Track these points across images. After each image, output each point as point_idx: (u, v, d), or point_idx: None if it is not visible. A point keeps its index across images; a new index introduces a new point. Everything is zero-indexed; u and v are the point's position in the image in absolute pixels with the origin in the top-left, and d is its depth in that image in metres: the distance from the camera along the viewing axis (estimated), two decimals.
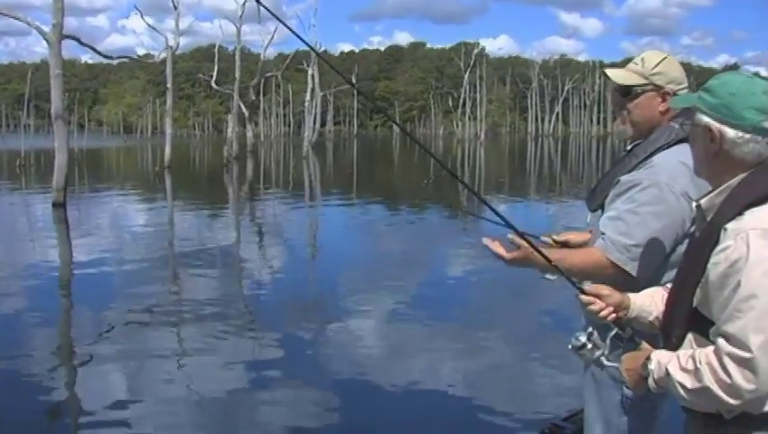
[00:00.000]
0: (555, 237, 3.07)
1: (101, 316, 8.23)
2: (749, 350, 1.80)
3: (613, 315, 2.26)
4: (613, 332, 2.25)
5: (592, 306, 2.26)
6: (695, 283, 2.00)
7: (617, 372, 2.20)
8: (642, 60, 2.77)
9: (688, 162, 2.34)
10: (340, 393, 5.94)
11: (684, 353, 1.97)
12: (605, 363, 2.24)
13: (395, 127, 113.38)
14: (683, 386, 1.93)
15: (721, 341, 1.87)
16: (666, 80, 2.72)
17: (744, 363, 1.80)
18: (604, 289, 2.28)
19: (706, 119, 2.01)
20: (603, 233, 2.65)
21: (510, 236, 2.56)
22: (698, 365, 1.88)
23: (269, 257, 12.90)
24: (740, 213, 1.92)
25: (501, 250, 2.54)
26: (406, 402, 5.76)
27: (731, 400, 1.84)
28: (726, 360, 1.83)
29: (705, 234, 2.01)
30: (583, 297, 2.28)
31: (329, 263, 12.25)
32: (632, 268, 2.56)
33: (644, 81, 2.73)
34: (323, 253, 13.65)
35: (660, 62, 2.74)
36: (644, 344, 2.21)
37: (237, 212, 20.14)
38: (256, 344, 7.37)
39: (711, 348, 1.89)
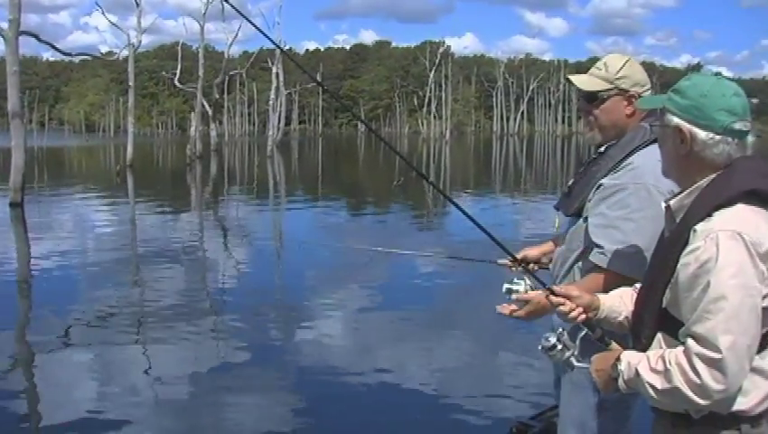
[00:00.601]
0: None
1: (61, 314, 8.09)
2: (718, 351, 1.81)
3: (583, 315, 2.25)
4: (583, 332, 2.26)
5: (562, 307, 2.25)
6: (664, 284, 2.00)
7: (587, 372, 2.20)
8: (606, 64, 2.76)
9: None
10: (306, 391, 5.91)
11: (654, 353, 1.97)
12: (575, 363, 2.23)
13: (360, 125, 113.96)
14: (653, 387, 1.93)
15: (690, 342, 1.87)
16: (631, 84, 2.72)
17: (714, 364, 1.81)
18: (574, 290, 2.29)
19: (676, 120, 2.01)
20: (599, 246, 2.62)
21: (501, 262, 2.71)
22: (668, 366, 1.89)
23: (231, 257, 12.73)
24: (709, 215, 1.92)
25: (507, 312, 2.63)
26: (373, 401, 5.74)
27: (700, 401, 1.85)
28: (696, 360, 1.83)
29: (674, 235, 2.01)
30: (553, 298, 2.27)
31: (294, 263, 12.12)
32: (638, 274, 2.49)
33: (609, 86, 2.73)
34: (286, 254, 13.50)
35: (623, 66, 2.73)
36: (614, 345, 2.21)
37: (198, 212, 19.89)
38: (221, 344, 7.27)
39: (681, 349, 1.90)
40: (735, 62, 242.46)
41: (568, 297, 2.26)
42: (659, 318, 2.04)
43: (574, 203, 2.83)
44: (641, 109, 2.64)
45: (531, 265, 3.09)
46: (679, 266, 1.94)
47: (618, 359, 2.04)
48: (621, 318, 2.28)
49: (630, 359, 2.01)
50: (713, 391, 1.82)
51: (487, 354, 7.00)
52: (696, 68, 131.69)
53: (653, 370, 1.93)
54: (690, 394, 1.85)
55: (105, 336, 7.38)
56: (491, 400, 5.71)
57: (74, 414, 5.33)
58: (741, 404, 1.92)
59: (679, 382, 1.86)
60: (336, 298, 9.22)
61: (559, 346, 2.21)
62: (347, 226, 17.15)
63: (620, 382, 2.03)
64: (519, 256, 3.00)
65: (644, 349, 2.06)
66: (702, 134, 1.97)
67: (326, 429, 5.24)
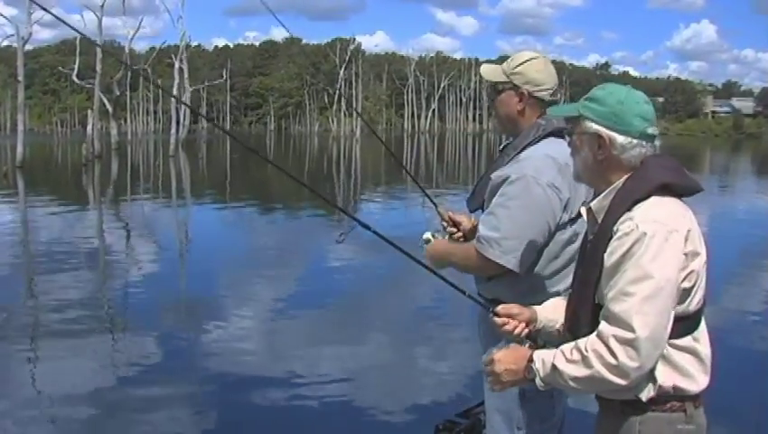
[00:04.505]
0: (451, 214, 3.20)
1: None
2: (632, 330, 1.92)
3: (526, 330, 2.36)
4: (527, 344, 2.32)
5: (506, 327, 2.35)
6: (595, 281, 2.09)
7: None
8: (512, 58, 2.88)
9: (555, 155, 2.65)
10: (216, 394, 5.70)
11: (567, 346, 2.06)
12: None
13: (270, 123, 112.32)
14: (573, 377, 2.01)
15: (604, 324, 1.98)
16: (523, 81, 2.80)
17: (628, 343, 1.92)
18: (515, 308, 2.39)
19: (596, 127, 2.13)
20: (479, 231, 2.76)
21: (440, 209, 3.09)
22: (585, 353, 1.98)
23: (119, 261, 12.03)
24: (629, 209, 2.05)
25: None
26: (288, 401, 5.53)
27: (620, 381, 1.95)
28: (612, 342, 1.94)
29: (599, 234, 2.11)
30: (497, 319, 2.37)
31: (194, 266, 11.64)
32: (506, 262, 2.64)
33: (505, 79, 2.84)
34: (184, 256, 12.95)
35: (522, 63, 2.81)
36: (526, 345, 2.31)
37: (89, 216, 18.64)
38: (124, 349, 6.93)
39: (593, 336, 1.99)
40: (640, 62, 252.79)
41: (510, 316, 2.36)
42: (593, 315, 2.08)
43: (478, 200, 2.96)
44: (552, 117, 2.71)
45: (458, 234, 3.17)
46: (605, 255, 2.03)
47: (531, 360, 2.11)
48: (557, 326, 2.36)
49: (543, 357, 2.09)
50: (630, 369, 1.92)
51: (410, 352, 6.83)
52: (604, 67, 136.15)
53: (570, 361, 2.01)
54: (609, 376, 1.94)
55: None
56: (416, 399, 5.58)
57: None
58: (683, 382, 2.06)
59: (597, 365, 1.95)
60: (245, 297, 8.89)
61: None
62: (249, 224, 16.73)
63: (537, 381, 2.09)
64: (457, 218, 3.17)
65: None
66: (621, 138, 2.10)
67: None
